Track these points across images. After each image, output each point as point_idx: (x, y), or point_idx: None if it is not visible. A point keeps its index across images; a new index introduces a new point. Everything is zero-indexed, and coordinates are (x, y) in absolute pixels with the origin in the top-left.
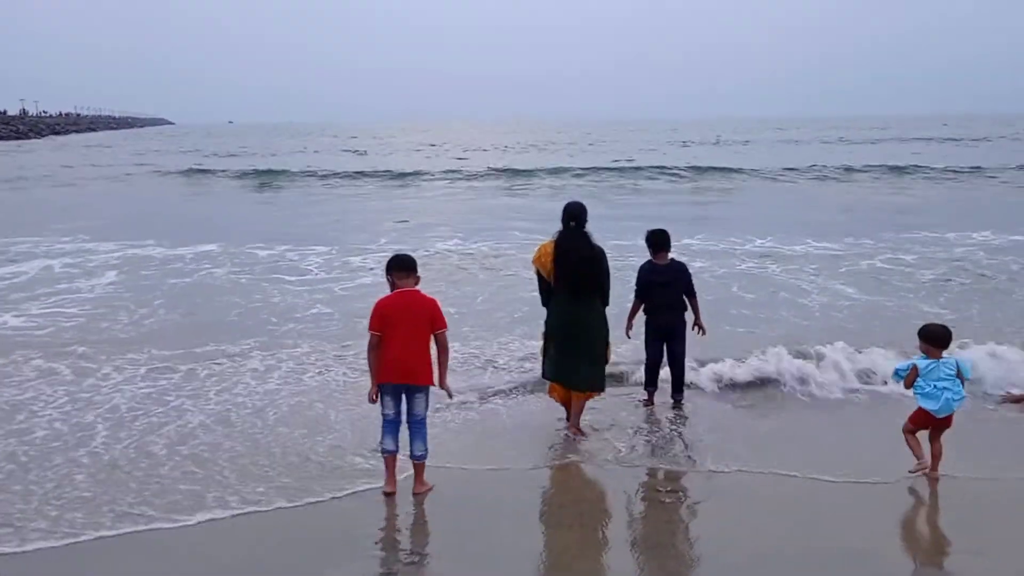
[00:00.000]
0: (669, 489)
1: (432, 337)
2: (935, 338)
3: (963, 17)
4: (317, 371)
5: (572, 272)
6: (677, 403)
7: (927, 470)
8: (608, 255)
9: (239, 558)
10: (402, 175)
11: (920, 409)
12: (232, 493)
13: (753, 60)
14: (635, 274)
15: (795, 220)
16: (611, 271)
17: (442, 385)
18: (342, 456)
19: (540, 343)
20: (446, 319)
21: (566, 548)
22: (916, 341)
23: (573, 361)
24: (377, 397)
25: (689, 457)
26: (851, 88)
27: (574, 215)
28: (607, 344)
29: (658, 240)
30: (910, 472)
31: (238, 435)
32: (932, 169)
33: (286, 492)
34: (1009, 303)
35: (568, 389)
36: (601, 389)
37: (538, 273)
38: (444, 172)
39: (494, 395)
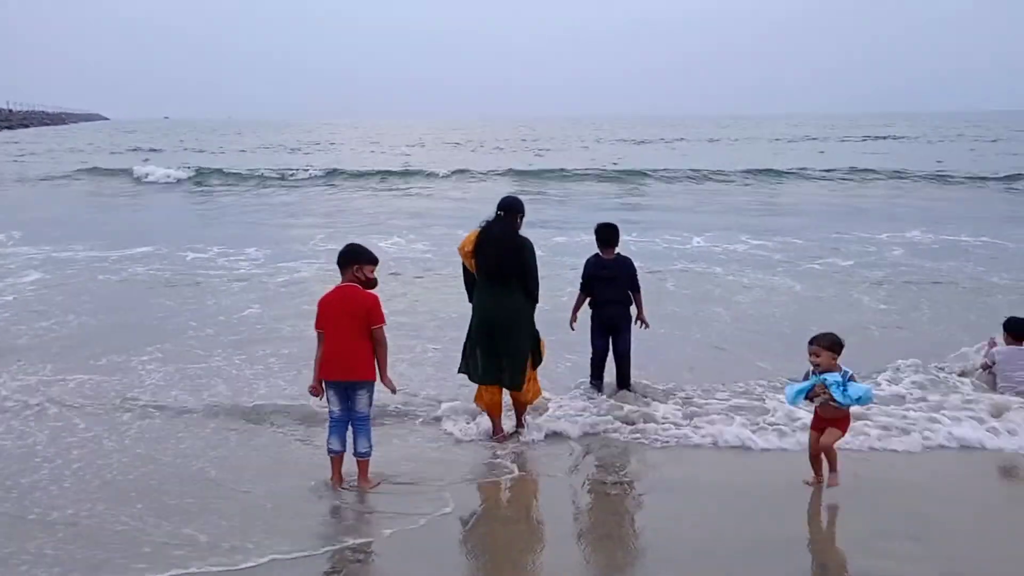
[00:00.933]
0: (614, 482)
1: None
2: (840, 347)
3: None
4: (227, 379)
5: (491, 262)
6: (622, 396)
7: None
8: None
9: None
10: (337, 173)
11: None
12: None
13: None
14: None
15: (727, 220)
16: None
17: (383, 380)
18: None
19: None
20: (384, 315)
21: (513, 542)
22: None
23: (496, 358)
24: (319, 393)
25: (635, 452)
26: (845, 86)
27: (505, 205)
28: (538, 341)
29: (606, 235)
30: (807, 482)
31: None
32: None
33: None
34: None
35: (496, 391)
36: (519, 388)
37: (463, 264)
38: (372, 171)
39: (428, 406)
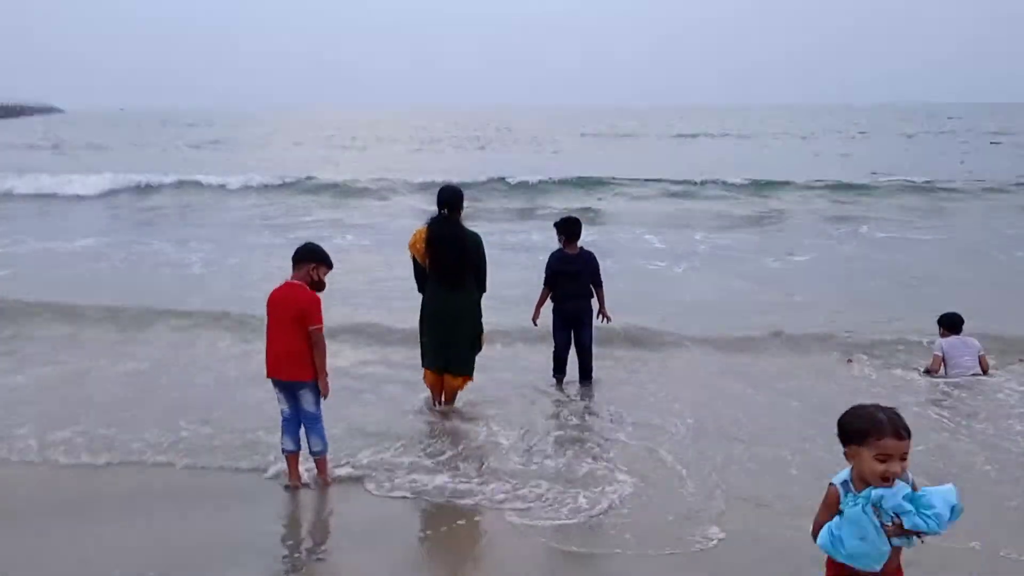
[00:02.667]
0: (572, 472)
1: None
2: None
3: None
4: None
5: (442, 260)
6: (585, 390)
7: None
8: None
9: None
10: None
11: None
12: None
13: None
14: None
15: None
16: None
17: (319, 382)
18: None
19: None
20: (322, 316)
21: (469, 536)
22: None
23: (443, 347)
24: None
25: (592, 443)
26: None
27: (447, 201)
28: (480, 332)
29: (569, 229)
30: None
31: None
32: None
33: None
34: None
35: (439, 375)
36: (469, 375)
37: (413, 258)
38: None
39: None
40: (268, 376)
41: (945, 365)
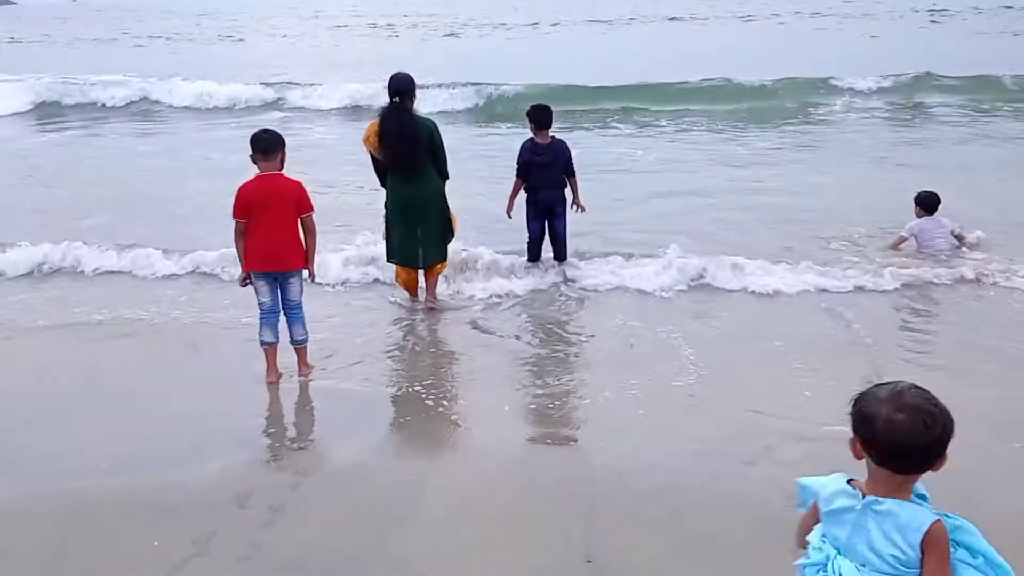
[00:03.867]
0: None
1: (300, 221)
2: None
3: None
4: None
5: (397, 151)
6: (564, 269)
7: None
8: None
9: (119, 451)
10: None
11: None
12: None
13: None
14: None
15: None
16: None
17: (308, 268)
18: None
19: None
20: (312, 202)
21: (447, 424)
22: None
23: (414, 242)
24: (246, 282)
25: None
26: None
27: (398, 90)
28: (450, 217)
29: (540, 118)
30: None
31: None
32: None
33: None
34: None
35: (414, 269)
36: (444, 259)
37: (371, 153)
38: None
39: (345, 288)
40: (259, 269)
41: (918, 245)
